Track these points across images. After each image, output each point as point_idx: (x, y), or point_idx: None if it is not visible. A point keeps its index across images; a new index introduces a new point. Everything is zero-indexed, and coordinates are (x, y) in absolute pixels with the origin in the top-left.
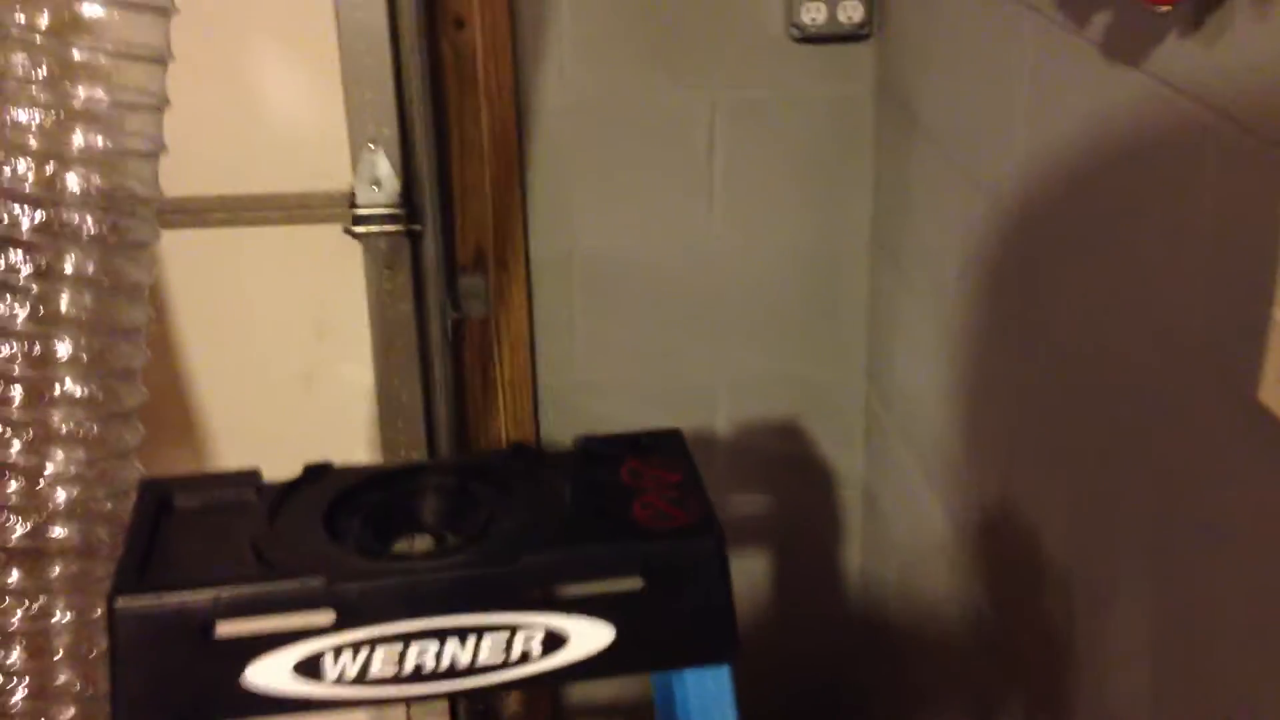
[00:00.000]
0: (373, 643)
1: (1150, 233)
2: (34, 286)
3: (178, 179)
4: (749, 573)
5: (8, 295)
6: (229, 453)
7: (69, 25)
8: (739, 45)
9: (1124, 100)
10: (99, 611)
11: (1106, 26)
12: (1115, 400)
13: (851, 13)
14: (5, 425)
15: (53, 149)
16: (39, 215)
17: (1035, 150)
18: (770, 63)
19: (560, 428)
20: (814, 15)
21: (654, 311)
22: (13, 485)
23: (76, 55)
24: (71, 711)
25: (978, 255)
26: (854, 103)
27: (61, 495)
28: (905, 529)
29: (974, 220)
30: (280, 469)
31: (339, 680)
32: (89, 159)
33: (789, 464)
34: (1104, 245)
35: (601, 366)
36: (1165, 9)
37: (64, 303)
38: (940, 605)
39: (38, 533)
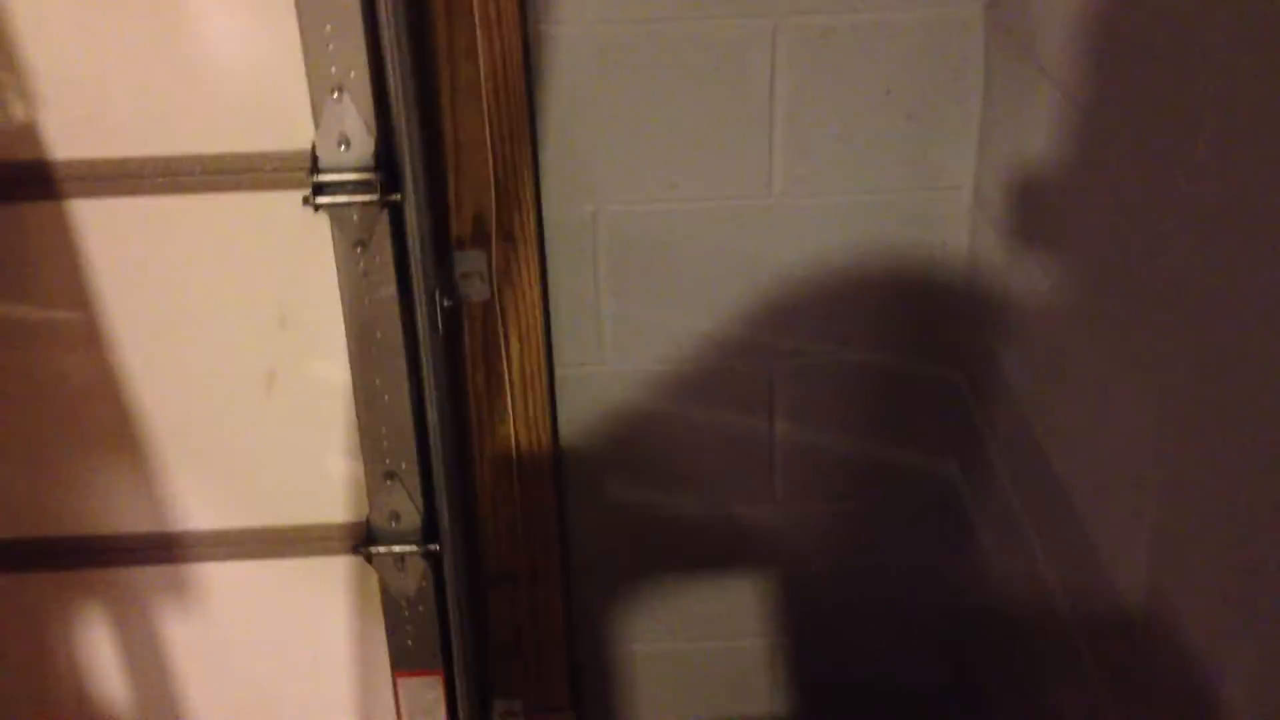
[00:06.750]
0: None
1: None
2: None
3: (99, 136)
4: (808, 614)
5: None
6: (175, 464)
7: None
8: None
9: None
10: None
11: None
12: None
13: None
14: None
15: None
16: None
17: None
18: None
19: (582, 430)
20: None
21: (698, 288)
22: None
23: None
24: None
25: (1124, 241)
26: (957, 28)
27: None
28: (1004, 563)
29: (1121, 192)
30: (235, 481)
31: None
32: None
33: (864, 475)
34: None
35: (633, 355)
36: None
37: None
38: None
39: None
